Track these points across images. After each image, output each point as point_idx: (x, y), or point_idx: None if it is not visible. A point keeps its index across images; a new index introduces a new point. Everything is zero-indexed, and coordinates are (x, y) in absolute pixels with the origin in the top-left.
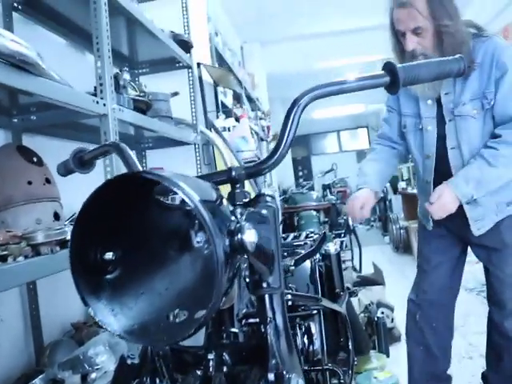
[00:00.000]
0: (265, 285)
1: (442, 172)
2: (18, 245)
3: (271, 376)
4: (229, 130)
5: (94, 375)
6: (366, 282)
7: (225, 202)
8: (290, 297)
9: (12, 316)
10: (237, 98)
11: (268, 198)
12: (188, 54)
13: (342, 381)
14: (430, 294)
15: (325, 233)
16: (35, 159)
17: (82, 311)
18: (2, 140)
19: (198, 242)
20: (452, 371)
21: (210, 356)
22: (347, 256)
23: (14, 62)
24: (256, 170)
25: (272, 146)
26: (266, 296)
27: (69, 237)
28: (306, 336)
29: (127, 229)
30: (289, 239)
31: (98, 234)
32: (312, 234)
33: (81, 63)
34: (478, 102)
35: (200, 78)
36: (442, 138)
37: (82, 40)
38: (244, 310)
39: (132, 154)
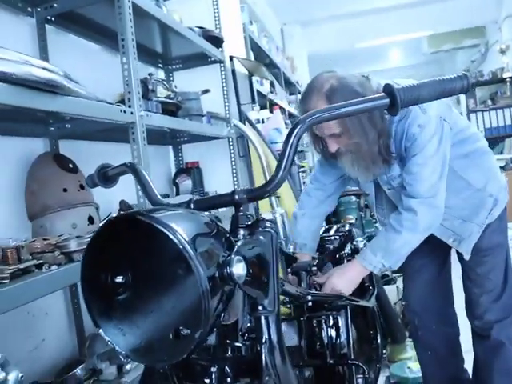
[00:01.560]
0: (260, 307)
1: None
2: (52, 253)
3: None
4: (263, 121)
5: (128, 366)
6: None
7: (221, 232)
8: (310, 297)
9: (56, 310)
10: (273, 85)
11: (267, 223)
12: (220, 49)
13: (366, 375)
14: (420, 299)
15: (350, 230)
16: (71, 166)
17: None
18: (41, 146)
19: None
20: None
21: (213, 369)
22: None
23: (43, 87)
24: (258, 193)
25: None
26: (262, 317)
27: None
28: (331, 330)
29: (135, 253)
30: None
31: (108, 259)
32: (343, 228)
33: (114, 66)
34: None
35: (233, 71)
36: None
37: (113, 43)
38: (248, 325)
39: (146, 175)
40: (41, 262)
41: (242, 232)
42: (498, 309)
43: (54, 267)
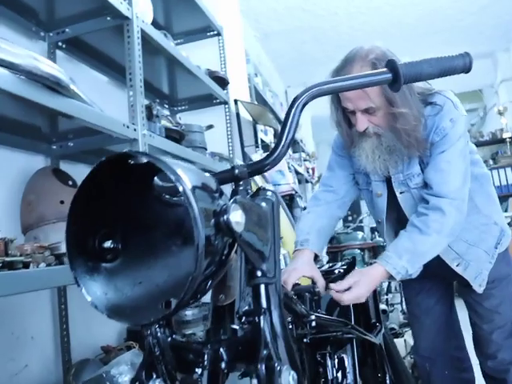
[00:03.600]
0: (259, 274)
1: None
2: (42, 254)
3: (261, 367)
4: None
5: None
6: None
7: (220, 189)
8: (313, 317)
9: (42, 335)
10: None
11: (268, 193)
12: (225, 91)
13: None
14: (430, 342)
15: (354, 257)
16: (70, 182)
17: (113, 336)
18: (42, 164)
19: None
20: None
21: (207, 350)
22: (396, 299)
23: (48, 83)
24: (258, 167)
25: (317, 187)
26: (261, 286)
27: None
28: (337, 369)
29: (128, 219)
30: (322, 268)
31: (98, 220)
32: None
33: (121, 99)
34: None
35: (238, 114)
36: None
37: (121, 77)
38: (245, 308)
39: None
40: (29, 260)
41: None
42: None
43: (42, 265)
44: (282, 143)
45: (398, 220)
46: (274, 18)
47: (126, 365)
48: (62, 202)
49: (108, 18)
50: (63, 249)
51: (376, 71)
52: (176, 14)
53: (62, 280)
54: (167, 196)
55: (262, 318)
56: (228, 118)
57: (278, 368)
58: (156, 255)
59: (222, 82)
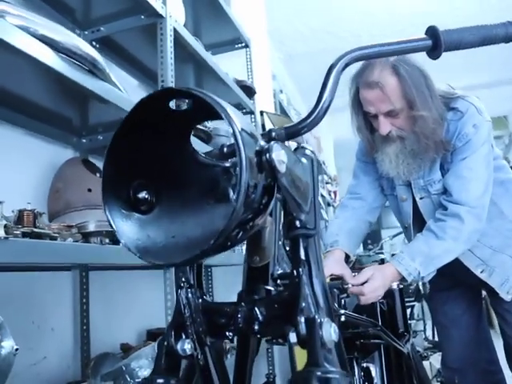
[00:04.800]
0: (298, 224)
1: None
2: (69, 231)
3: (301, 320)
4: None
5: None
6: (438, 346)
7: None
8: (342, 312)
9: (63, 327)
10: None
11: (307, 151)
12: (251, 101)
13: None
14: (459, 354)
15: (383, 259)
16: (98, 174)
17: (133, 337)
18: (71, 156)
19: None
20: None
21: (240, 310)
22: (419, 327)
23: (85, 64)
24: (295, 129)
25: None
26: (301, 238)
27: None
28: (363, 379)
29: (163, 174)
30: None
31: (134, 168)
32: None
33: None
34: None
35: (263, 126)
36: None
37: (151, 82)
38: (279, 271)
39: None
40: (56, 235)
41: None
42: None
43: (69, 240)
44: (320, 107)
45: (424, 225)
46: (299, 39)
47: (146, 359)
48: (89, 190)
49: (142, 17)
50: (91, 228)
51: (417, 38)
52: (206, 24)
53: (87, 258)
54: (203, 156)
55: (300, 269)
56: (255, 126)
57: (319, 320)
58: (189, 212)
59: (249, 92)
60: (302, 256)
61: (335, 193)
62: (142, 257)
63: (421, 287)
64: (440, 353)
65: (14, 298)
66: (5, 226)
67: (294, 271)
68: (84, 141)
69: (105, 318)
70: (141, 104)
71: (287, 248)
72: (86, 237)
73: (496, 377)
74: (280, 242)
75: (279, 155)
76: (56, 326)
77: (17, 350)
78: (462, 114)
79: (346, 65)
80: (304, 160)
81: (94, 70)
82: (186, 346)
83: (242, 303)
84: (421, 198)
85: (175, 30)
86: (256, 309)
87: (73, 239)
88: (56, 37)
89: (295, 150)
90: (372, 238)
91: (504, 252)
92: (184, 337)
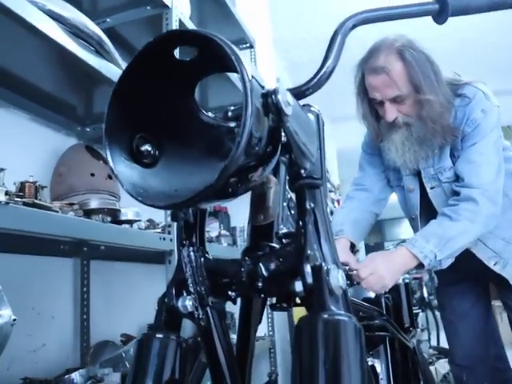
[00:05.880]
0: (304, 173)
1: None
2: (71, 207)
3: (307, 268)
4: None
5: None
6: (443, 352)
7: None
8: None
9: (63, 315)
10: None
11: (313, 108)
12: None
13: None
14: (467, 350)
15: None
16: (101, 161)
17: (133, 328)
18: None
19: None
20: None
21: (244, 265)
22: (423, 336)
23: (92, 43)
24: (298, 91)
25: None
26: (307, 187)
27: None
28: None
29: (167, 129)
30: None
31: (138, 121)
32: None
33: None
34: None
35: None
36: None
37: None
38: (284, 230)
39: None
40: (57, 210)
41: None
42: None
43: (70, 213)
44: (325, 69)
45: (432, 217)
46: (304, 47)
47: None
48: (92, 175)
49: (148, 8)
50: (93, 205)
51: (424, 2)
52: (211, 24)
53: (87, 233)
54: (208, 115)
55: (306, 219)
56: None
57: (326, 267)
58: (192, 168)
59: None
60: (308, 206)
61: (338, 201)
62: (142, 201)
63: (425, 295)
64: (446, 359)
65: (13, 282)
66: (6, 193)
67: (300, 221)
68: (88, 130)
69: (106, 311)
70: (145, 51)
71: (292, 212)
72: (88, 214)
73: (504, 375)
74: (285, 204)
75: (285, 96)
76: (56, 314)
77: (14, 320)
78: (469, 99)
79: (353, 26)
80: (310, 114)
81: (100, 50)
82: (186, 302)
83: (246, 258)
84: (432, 188)
85: (180, 22)
86: (260, 264)
87: (74, 214)
88: (64, 13)
89: (302, 106)
90: (376, 250)
91: None
92: (185, 294)
